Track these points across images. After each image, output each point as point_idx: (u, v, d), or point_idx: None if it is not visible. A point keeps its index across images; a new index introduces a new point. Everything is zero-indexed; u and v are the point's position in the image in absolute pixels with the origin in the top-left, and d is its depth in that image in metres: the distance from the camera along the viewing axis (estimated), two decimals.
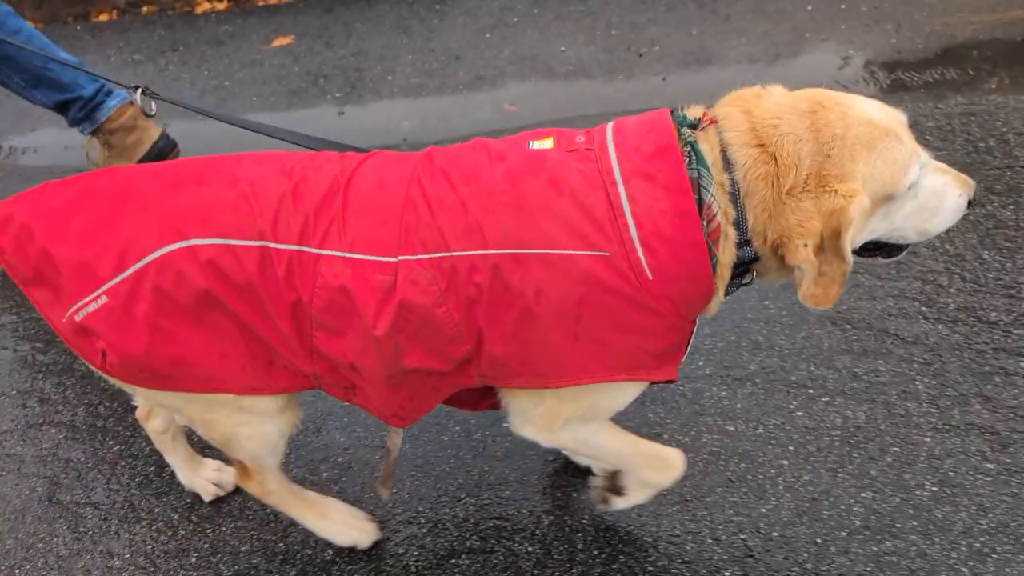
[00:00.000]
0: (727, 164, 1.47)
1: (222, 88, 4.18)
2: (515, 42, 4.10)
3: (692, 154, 1.47)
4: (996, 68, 3.37)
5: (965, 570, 1.81)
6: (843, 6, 4.00)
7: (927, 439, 2.08)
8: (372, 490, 2.20)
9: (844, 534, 1.91)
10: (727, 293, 1.58)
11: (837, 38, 3.79)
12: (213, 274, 1.55)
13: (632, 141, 1.51)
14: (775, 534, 1.94)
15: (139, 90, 2.16)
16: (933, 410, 2.14)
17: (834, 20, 3.91)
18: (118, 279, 1.55)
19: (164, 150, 3.36)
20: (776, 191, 1.44)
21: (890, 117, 1.50)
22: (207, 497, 2.24)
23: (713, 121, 1.50)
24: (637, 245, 1.45)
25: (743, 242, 1.49)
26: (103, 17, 5.11)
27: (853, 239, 1.46)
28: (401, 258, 1.52)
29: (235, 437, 1.80)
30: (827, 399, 2.21)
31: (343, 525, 2.06)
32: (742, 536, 1.95)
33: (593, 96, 3.68)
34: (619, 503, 1.89)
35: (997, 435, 2.05)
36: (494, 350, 1.55)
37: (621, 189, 1.47)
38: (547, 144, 1.55)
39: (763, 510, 2.00)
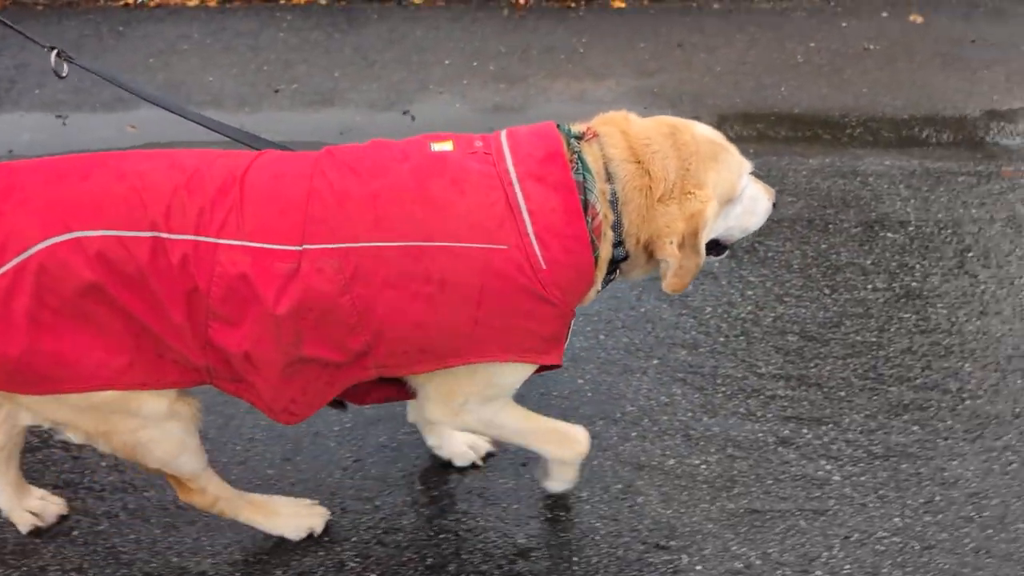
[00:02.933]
0: (608, 176, 1.69)
1: None
2: (173, 69, 4.36)
3: (579, 161, 1.68)
4: None
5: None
6: (475, 63, 4.45)
7: None
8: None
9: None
10: (600, 288, 1.79)
11: (452, 91, 4.23)
12: (101, 266, 1.51)
13: (525, 147, 1.69)
14: None
15: (55, 51, 2.07)
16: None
17: (461, 75, 4.35)
18: None
19: None
20: (649, 200, 1.70)
21: (720, 135, 1.82)
22: (24, 529, 2.09)
23: (595, 135, 1.72)
24: (533, 239, 1.61)
25: (618, 243, 1.71)
26: None
27: (707, 237, 1.75)
28: (306, 247, 1.56)
29: (138, 444, 1.74)
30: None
31: (294, 517, 2.08)
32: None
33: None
34: (551, 486, 2.09)
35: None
36: (395, 339, 1.62)
37: (517, 189, 1.63)
38: (447, 146, 1.69)
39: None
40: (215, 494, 1.94)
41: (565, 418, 2.12)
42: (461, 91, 4.22)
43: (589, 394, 2.52)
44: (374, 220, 1.59)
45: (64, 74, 2.07)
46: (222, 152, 1.67)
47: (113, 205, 1.53)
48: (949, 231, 3.24)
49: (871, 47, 4.67)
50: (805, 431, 2.41)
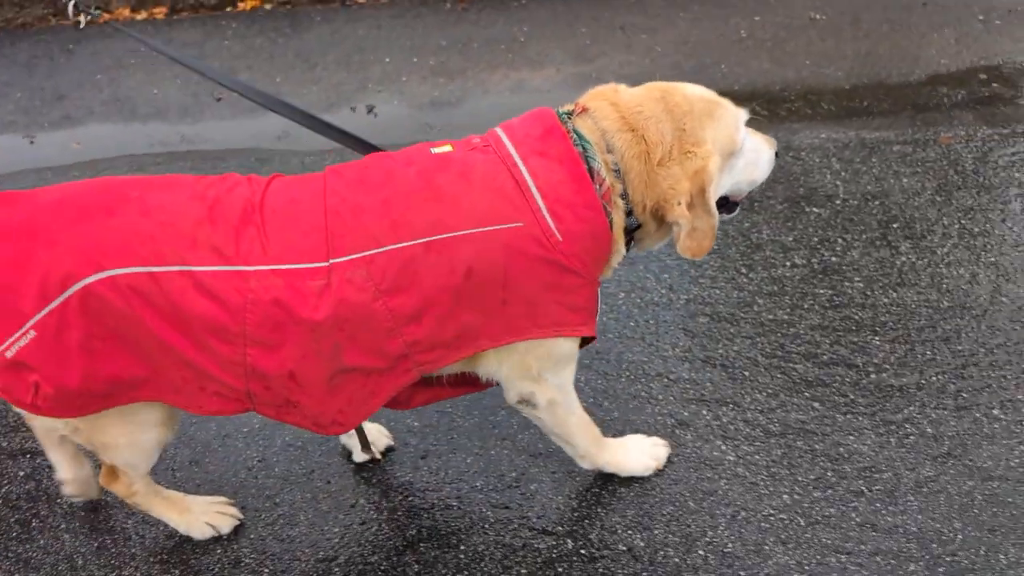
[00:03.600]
0: (608, 147, 1.72)
1: None
2: (119, 84, 4.43)
3: (576, 134, 1.73)
4: None
5: None
6: (415, 59, 4.47)
7: None
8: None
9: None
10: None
11: (391, 89, 4.25)
12: (138, 301, 1.58)
13: (521, 130, 1.75)
14: None
15: (73, 2, 2.21)
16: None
17: (400, 72, 4.37)
18: (43, 312, 1.57)
19: None
20: (648, 165, 1.73)
21: (711, 92, 1.83)
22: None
23: (585, 109, 1.77)
24: (545, 213, 1.66)
25: (628, 212, 1.76)
26: None
27: (715, 193, 1.77)
28: (333, 261, 1.61)
29: (114, 446, 1.83)
30: None
31: (204, 515, 2.13)
32: None
33: (161, 138, 4.04)
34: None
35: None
36: (430, 335, 1.68)
37: (522, 167, 1.68)
38: (446, 148, 1.76)
39: None
40: (136, 489, 2.01)
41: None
42: (400, 88, 4.24)
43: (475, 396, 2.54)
44: (391, 224, 1.64)
45: (82, 26, 2.26)
46: (239, 177, 1.74)
47: (141, 243, 1.59)
48: (876, 203, 3.22)
49: (817, 17, 4.62)
50: (705, 412, 2.42)
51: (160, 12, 4.96)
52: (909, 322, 2.67)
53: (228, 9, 4.99)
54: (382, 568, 2.08)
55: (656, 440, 2.27)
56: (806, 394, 2.45)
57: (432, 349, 1.71)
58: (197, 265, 1.59)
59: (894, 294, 2.78)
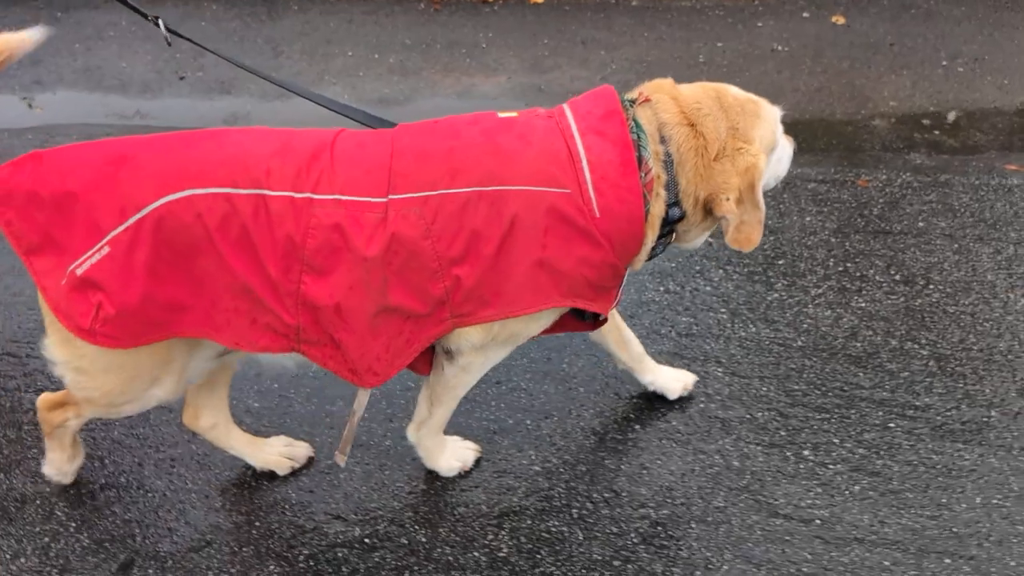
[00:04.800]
0: (662, 139, 1.84)
1: None
2: (93, 55, 4.64)
3: (634, 122, 1.83)
4: None
5: None
6: (376, 55, 4.60)
7: None
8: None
9: None
10: (652, 255, 1.95)
11: (344, 82, 4.38)
12: (212, 221, 1.69)
13: (585, 107, 1.86)
14: None
15: (159, 19, 2.40)
16: None
17: (359, 67, 4.51)
18: (120, 229, 1.69)
19: None
20: (705, 159, 1.84)
21: (751, 94, 1.97)
22: (283, 471, 2.33)
23: (648, 99, 1.87)
24: (590, 187, 1.77)
25: (673, 203, 1.85)
26: None
27: (761, 188, 1.89)
28: (391, 197, 1.74)
29: (118, 392, 1.92)
30: None
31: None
32: None
33: (119, 110, 4.24)
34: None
35: None
36: (471, 281, 1.78)
37: (578, 141, 1.79)
38: (512, 114, 1.89)
39: None
40: (69, 426, 2.12)
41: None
42: (354, 83, 4.38)
43: (324, 376, 2.63)
44: (450, 171, 1.77)
45: (169, 43, 2.41)
46: (308, 129, 1.88)
47: (219, 167, 1.72)
48: (771, 238, 3.25)
49: (780, 48, 4.63)
50: (528, 422, 2.51)
51: None
52: (756, 357, 2.71)
53: None
54: (179, 533, 2.22)
55: (469, 444, 2.37)
56: (631, 415, 2.52)
57: (467, 300, 1.81)
58: (269, 189, 1.71)
59: (752, 329, 2.83)
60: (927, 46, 4.61)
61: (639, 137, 1.83)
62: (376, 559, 2.15)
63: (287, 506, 2.29)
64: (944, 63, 4.46)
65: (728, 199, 1.84)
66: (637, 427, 2.49)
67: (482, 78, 4.41)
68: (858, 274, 3.05)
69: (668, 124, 1.85)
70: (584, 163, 1.77)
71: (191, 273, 1.74)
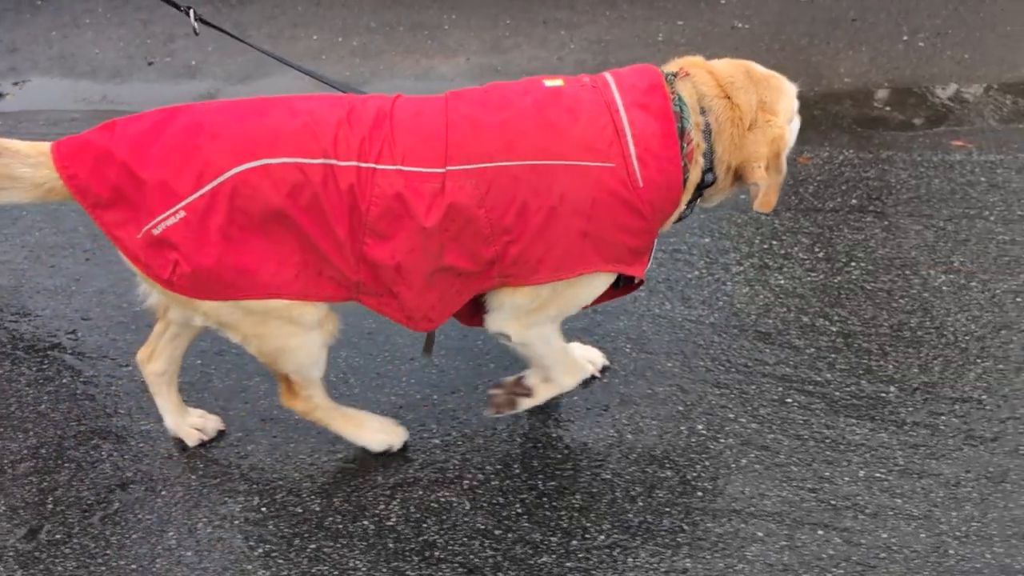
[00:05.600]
0: (702, 109, 1.97)
1: None
2: (68, 42, 4.77)
3: (676, 95, 1.97)
4: None
5: None
6: (340, 38, 4.67)
7: None
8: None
9: None
10: (680, 218, 2.10)
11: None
12: (284, 188, 1.82)
13: (629, 81, 1.98)
14: None
15: (191, 10, 2.55)
16: None
17: (322, 50, 4.58)
18: (196, 195, 1.80)
19: None
20: (740, 129, 1.98)
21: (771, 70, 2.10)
22: (192, 442, 2.43)
23: (687, 74, 2.01)
24: (634, 160, 1.89)
25: (708, 169, 2.00)
26: None
27: (786, 156, 2.04)
28: (449, 168, 1.86)
29: (285, 348, 2.05)
30: None
31: (378, 432, 2.38)
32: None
33: (87, 96, 4.37)
34: (527, 403, 2.32)
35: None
36: (520, 248, 1.91)
37: (623, 115, 1.92)
38: (558, 82, 2.00)
39: None
40: (317, 403, 2.26)
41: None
42: (314, 66, 4.44)
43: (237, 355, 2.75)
44: (505, 143, 1.88)
45: (197, 33, 2.59)
46: (370, 95, 2.02)
47: (292, 137, 1.84)
48: (703, 216, 3.28)
49: (740, 26, 4.61)
50: (435, 397, 2.59)
51: None
52: (667, 334, 2.76)
53: None
54: (87, 502, 2.35)
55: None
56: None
57: (515, 263, 1.94)
58: (336, 160, 1.83)
59: (667, 306, 2.87)
60: (889, 20, 4.56)
61: (681, 109, 1.95)
62: (270, 527, 2.26)
63: (193, 476, 2.41)
64: (905, 38, 4.41)
65: (759, 167, 1.99)
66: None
67: (441, 59, 4.47)
68: (782, 252, 3.08)
69: (707, 96, 1.98)
70: (628, 137, 1.89)
71: (263, 237, 1.86)
